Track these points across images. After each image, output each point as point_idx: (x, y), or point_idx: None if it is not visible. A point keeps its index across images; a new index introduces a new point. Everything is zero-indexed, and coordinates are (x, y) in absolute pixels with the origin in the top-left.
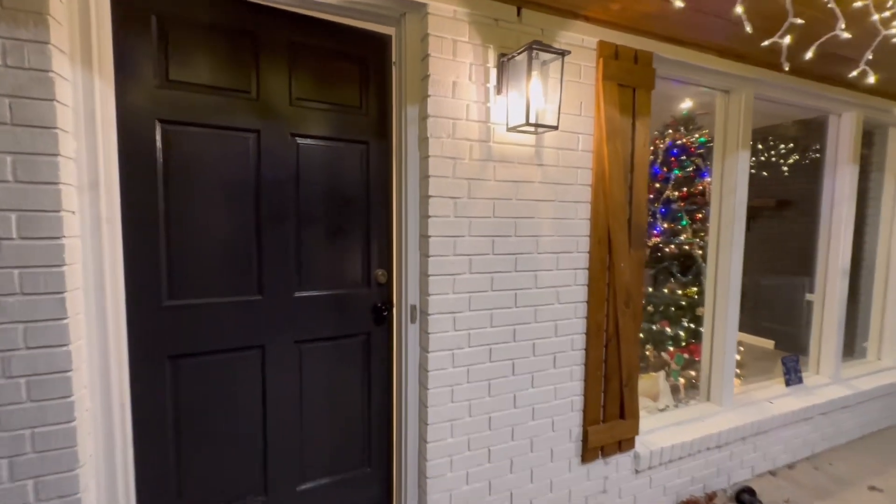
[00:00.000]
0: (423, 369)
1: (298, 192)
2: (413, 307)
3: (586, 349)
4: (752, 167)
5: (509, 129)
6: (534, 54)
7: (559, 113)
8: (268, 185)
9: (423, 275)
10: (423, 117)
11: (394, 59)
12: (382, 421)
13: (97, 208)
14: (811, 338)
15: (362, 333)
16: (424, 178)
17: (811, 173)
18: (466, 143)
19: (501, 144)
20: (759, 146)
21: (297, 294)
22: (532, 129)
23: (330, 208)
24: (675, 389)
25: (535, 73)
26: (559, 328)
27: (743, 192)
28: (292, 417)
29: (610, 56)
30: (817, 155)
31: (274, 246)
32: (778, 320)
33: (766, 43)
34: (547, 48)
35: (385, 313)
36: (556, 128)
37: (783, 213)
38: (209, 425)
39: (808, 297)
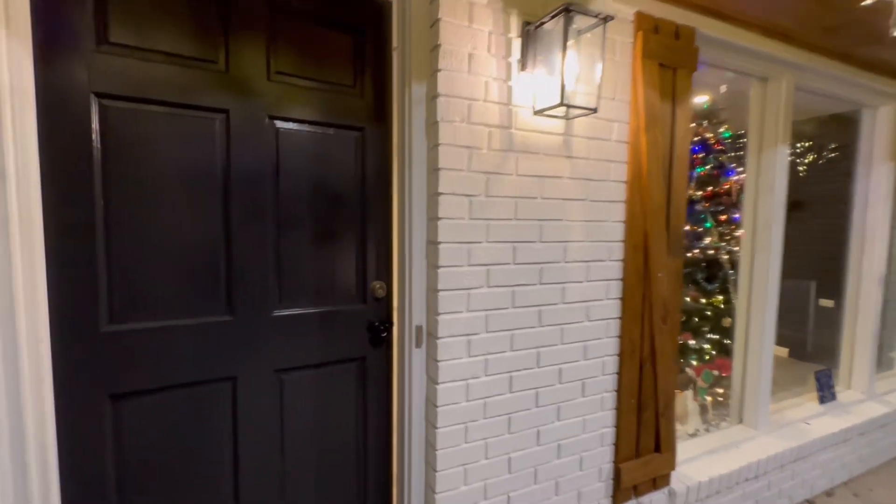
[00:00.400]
0: (430, 404)
1: (278, 188)
2: (418, 328)
3: (619, 373)
4: None
5: (536, 113)
6: (570, 19)
7: (599, 92)
8: (240, 180)
9: (432, 290)
10: (433, 97)
11: (395, 26)
12: (380, 466)
13: (3, 207)
14: (841, 350)
15: (356, 358)
16: (433, 171)
17: (825, 174)
18: (484, 129)
19: (525, 132)
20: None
21: (277, 313)
22: (563, 112)
23: (317, 208)
24: (702, 409)
25: (570, 43)
26: (588, 350)
27: (782, 192)
28: (271, 465)
29: (650, 30)
30: (833, 154)
31: (247, 254)
32: (790, 326)
33: (867, 2)
34: (585, 12)
35: (384, 334)
36: (594, 110)
37: (794, 214)
38: (165, 481)
39: (823, 302)
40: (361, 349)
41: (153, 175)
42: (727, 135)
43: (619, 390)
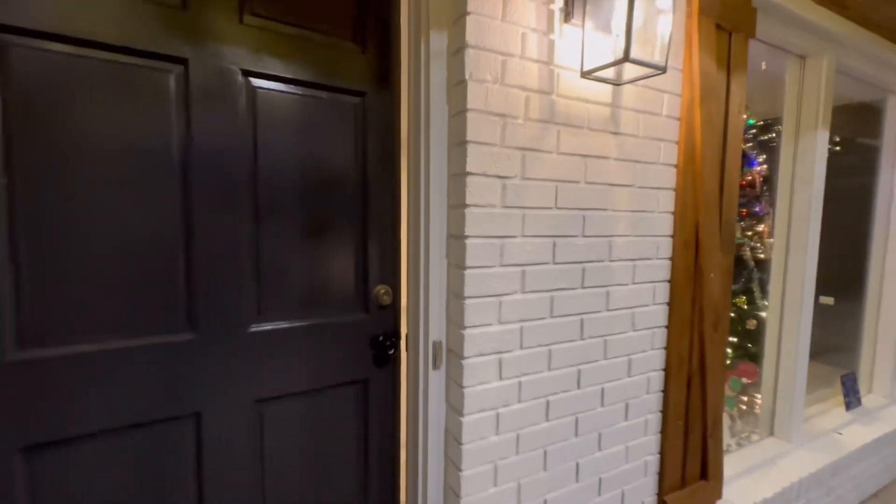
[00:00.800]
0: (452, 439)
1: (256, 168)
2: (436, 345)
3: (665, 391)
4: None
5: (585, 75)
6: None
7: (668, 47)
8: (205, 155)
9: (455, 296)
10: (457, 49)
11: None
12: None
13: None
14: (861, 352)
15: (356, 382)
16: (458, 145)
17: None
18: (521, 93)
19: (568, 100)
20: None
21: (255, 328)
22: (614, 75)
23: (306, 194)
24: (730, 420)
25: None
26: (633, 365)
27: (820, 182)
28: None
29: None
30: (837, 148)
31: (215, 253)
32: None
33: None
34: None
35: (391, 351)
36: (663, 70)
37: None
38: None
39: (823, 300)
40: (363, 370)
41: (82, 147)
42: (749, 122)
43: (665, 411)
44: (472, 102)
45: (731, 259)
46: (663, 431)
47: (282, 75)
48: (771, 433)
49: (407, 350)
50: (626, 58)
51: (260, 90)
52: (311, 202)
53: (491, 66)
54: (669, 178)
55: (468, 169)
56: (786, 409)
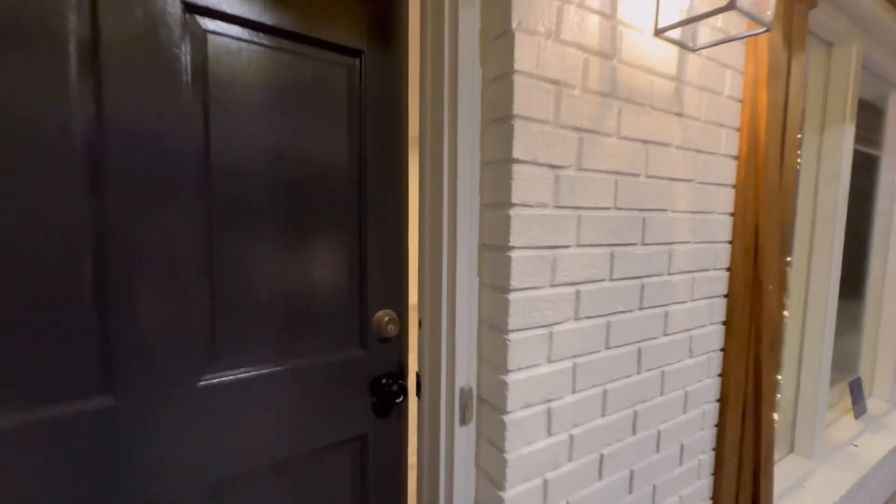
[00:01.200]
0: None
1: (208, 150)
2: (464, 392)
3: (719, 425)
4: None
5: (658, 33)
6: None
7: None
8: (124, 135)
9: (491, 328)
10: None
11: None
12: None
13: None
14: (861, 355)
15: (351, 440)
16: (499, 121)
17: None
18: (579, 54)
19: (631, 68)
20: None
21: (208, 380)
22: (689, 37)
23: (281, 187)
24: None
25: None
26: (689, 399)
27: (846, 179)
28: None
29: None
30: None
31: (143, 275)
32: None
33: None
34: None
35: (398, 398)
36: (769, 27)
37: None
38: None
39: None
40: (360, 422)
41: None
42: None
43: (720, 448)
44: (520, 62)
45: (785, 267)
46: (716, 473)
47: (245, 16)
48: (791, 450)
49: (419, 396)
50: (731, 5)
51: (213, 36)
52: (289, 200)
53: (545, 13)
54: (730, 172)
55: (515, 154)
56: (807, 424)
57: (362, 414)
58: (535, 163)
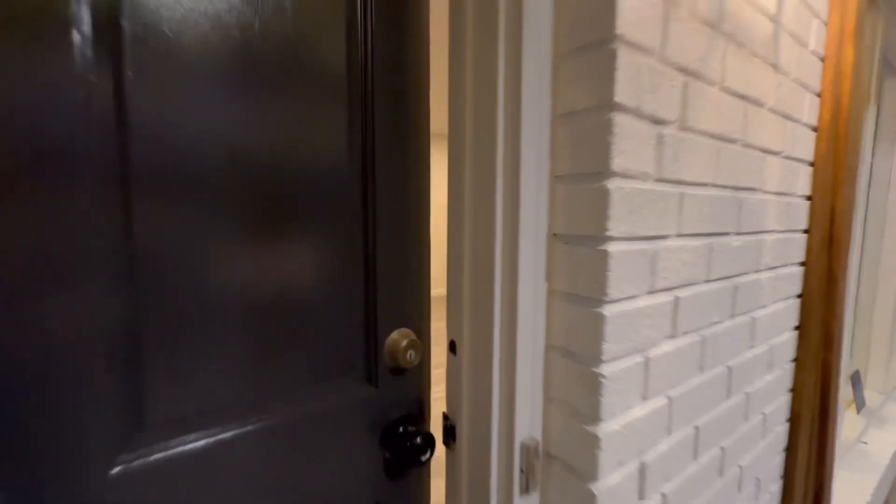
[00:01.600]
0: None
1: (121, 112)
2: (529, 450)
3: (789, 448)
4: None
5: None
6: None
7: None
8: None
9: (569, 357)
10: None
11: None
12: None
13: None
14: (853, 346)
15: None
16: (592, 45)
17: None
18: None
19: None
20: None
21: (128, 462)
22: None
23: (249, 169)
24: None
25: None
26: (766, 424)
27: (865, 168)
28: None
29: None
30: None
31: (18, 300)
32: None
33: None
34: None
35: (424, 454)
36: None
37: None
38: None
39: None
40: (367, 488)
41: None
42: None
43: (789, 475)
44: None
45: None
46: None
47: None
48: None
49: (450, 447)
50: None
51: None
52: (259, 184)
53: None
54: (809, 145)
55: (617, 97)
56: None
57: (371, 473)
58: (638, 113)
